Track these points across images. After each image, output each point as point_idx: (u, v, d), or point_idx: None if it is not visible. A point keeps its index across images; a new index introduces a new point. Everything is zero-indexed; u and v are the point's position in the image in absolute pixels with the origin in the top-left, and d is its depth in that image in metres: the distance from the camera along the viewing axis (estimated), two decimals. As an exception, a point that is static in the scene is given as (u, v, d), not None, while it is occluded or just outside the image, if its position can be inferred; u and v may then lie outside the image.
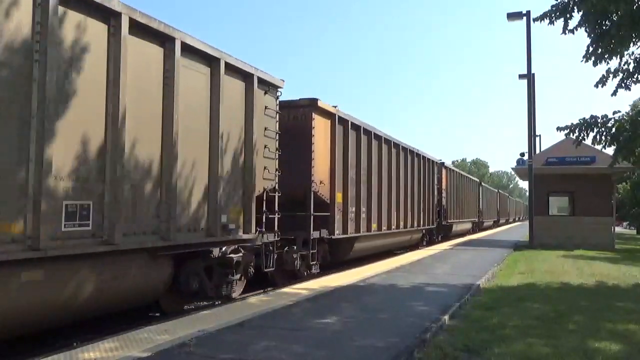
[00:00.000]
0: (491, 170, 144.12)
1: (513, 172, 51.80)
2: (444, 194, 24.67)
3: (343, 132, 13.19)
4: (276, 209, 9.91)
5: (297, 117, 11.53)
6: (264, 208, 9.50)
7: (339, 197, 12.64)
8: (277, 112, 10.24)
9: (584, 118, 11.14)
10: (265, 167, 9.61)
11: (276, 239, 9.97)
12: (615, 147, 11.35)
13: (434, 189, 23.16)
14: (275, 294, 8.85)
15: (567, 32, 9.90)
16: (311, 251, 11.36)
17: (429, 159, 22.27)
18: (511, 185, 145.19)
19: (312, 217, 11.34)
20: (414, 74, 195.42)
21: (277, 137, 10.17)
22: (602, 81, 10.58)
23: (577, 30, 9.89)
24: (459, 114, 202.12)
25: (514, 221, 76.99)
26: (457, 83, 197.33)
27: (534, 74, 24.13)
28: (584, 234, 22.27)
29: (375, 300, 8.39)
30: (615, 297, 9.19)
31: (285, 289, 9.32)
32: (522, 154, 24.89)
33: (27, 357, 5.52)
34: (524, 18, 22.00)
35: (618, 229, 39.35)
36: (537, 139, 32.34)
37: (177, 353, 5.04)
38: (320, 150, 11.86)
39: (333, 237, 12.27)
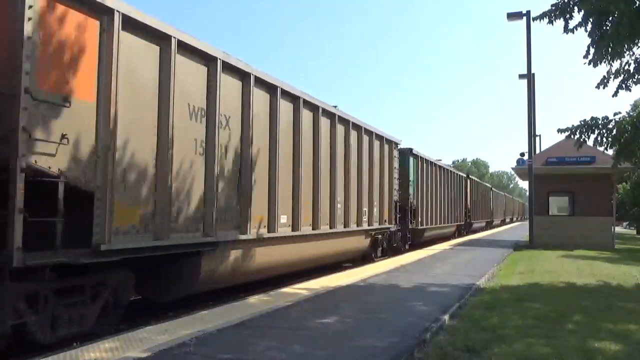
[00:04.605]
0: (491, 170, 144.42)
1: (513, 172, 49.63)
2: None
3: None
4: None
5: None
6: None
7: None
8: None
9: (585, 120, 11.13)
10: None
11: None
12: (616, 148, 11.34)
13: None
14: (275, 294, 8.85)
15: (567, 32, 9.89)
16: None
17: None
18: (511, 185, 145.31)
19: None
20: (414, 74, 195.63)
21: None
22: (603, 82, 10.57)
23: (577, 29, 9.88)
24: (459, 114, 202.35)
25: (503, 223, 58.51)
26: (457, 83, 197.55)
27: (534, 74, 24.15)
28: (584, 234, 22.27)
29: (375, 300, 8.39)
30: (615, 297, 9.18)
31: (286, 289, 9.32)
32: (522, 154, 24.90)
33: (27, 357, 5.52)
34: (524, 18, 22.01)
35: (618, 229, 39.30)
36: (537, 139, 32.37)
37: (177, 353, 5.04)
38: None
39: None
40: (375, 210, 15.40)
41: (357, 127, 14.29)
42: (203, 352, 5.09)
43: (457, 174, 29.73)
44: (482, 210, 36.59)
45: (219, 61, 8.30)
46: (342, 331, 6.11)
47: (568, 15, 9.66)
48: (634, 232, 52.18)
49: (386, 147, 16.56)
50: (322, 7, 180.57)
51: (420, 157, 21.20)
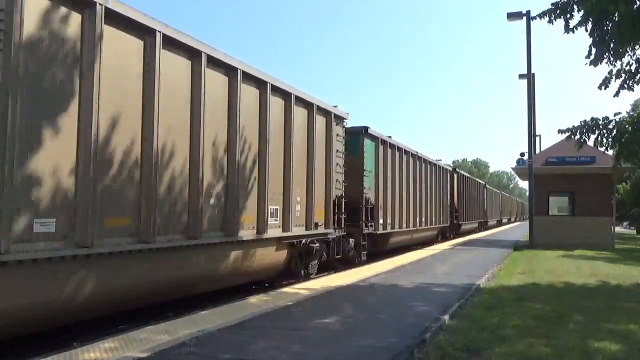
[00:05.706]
0: (491, 170, 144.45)
1: (513, 172, 49.39)
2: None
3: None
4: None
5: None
6: None
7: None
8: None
9: (585, 120, 11.12)
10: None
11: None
12: (617, 148, 11.32)
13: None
14: (275, 293, 8.85)
15: (568, 31, 9.88)
16: None
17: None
18: (511, 185, 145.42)
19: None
20: (414, 74, 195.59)
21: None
22: (605, 83, 10.56)
23: (577, 29, 9.87)
24: (460, 114, 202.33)
25: (500, 224, 50.74)
26: (457, 83, 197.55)
27: (534, 74, 24.16)
28: (584, 234, 22.29)
29: (375, 300, 8.40)
30: (615, 297, 9.19)
31: (286, 289, 9.32)
32: (522, 154, 24.93)
33: (27, 357, 5.52)
34: (524, 18, 22.02)
35: (618, 229, 39.35)
36: (537, 139, 32.35)
37: (177, 353, 5.03)
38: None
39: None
40: (298, 209, 10.83)
41: (262, 83, 9.65)
42: (203, 352, 5.09)
43: (440, 166, 24.45)
44: (473, 209, 32.18)
45: (98, 6, 6.12)
46: (342, 331, 6.11)
47: (568, 15, 9.65)
48: (634, 232, 52.28)
49: (319, 119, 11.84)
50: (322, 8, 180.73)
51: (382, 139, 15.85)
